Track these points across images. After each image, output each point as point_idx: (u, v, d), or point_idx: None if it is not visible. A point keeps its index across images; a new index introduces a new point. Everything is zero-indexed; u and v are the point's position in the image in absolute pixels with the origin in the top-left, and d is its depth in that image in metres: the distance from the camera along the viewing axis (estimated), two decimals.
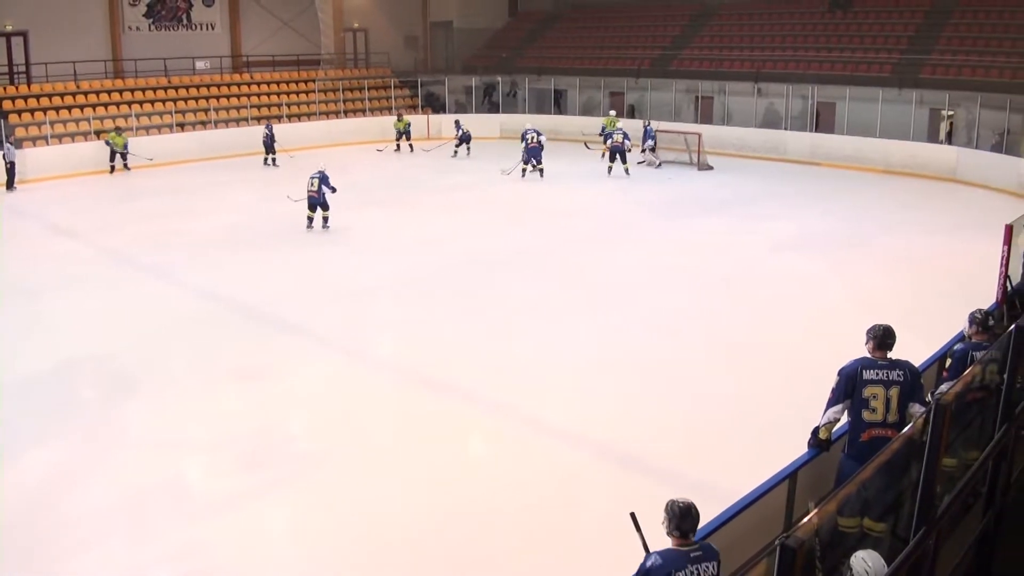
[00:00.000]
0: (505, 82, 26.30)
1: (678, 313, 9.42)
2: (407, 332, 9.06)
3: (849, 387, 4.32)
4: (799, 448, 4.54)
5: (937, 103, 19.15)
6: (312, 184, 13.26)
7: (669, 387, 7.48)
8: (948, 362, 5.15)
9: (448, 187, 17.86)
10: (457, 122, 21.72)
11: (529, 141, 18.29)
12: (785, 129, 21.29)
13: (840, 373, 4.37)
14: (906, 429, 3.66)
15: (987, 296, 6.75)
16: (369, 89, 25.79)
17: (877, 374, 4.27)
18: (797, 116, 21.51)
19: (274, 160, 20.27)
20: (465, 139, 21.20)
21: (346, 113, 24.99)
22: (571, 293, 10.25)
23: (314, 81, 25.16)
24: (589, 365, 7.98)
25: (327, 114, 24.68)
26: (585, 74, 25.42)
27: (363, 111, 25.50)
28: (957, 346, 4.99)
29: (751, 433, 6.56)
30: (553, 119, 24.32)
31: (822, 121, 20.94)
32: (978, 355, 4.56)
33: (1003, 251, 6.60)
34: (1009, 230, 6.70)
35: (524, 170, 18.39)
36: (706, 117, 22.96)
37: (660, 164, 19.79)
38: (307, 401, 7.38)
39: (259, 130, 21.12)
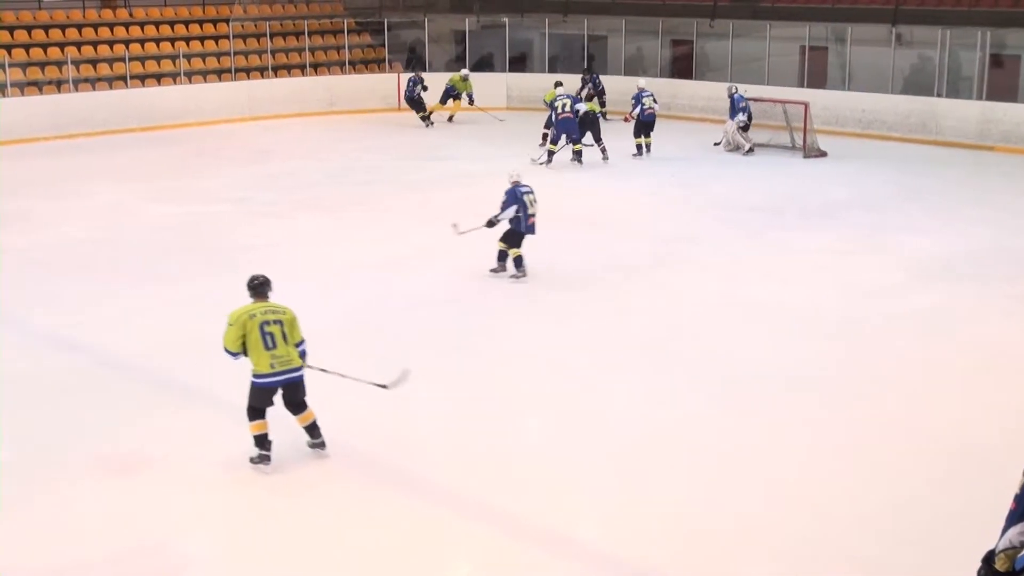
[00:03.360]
0: (515, 25, 26.52)
1: (764, 379, 9.42)
2: (356, 405, 8.92)
3: None
4: None
5: None
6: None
7: (755, 491, 7.44)
8: None
9: (426, 181, 17.87)
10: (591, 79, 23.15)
11: (559, 110, 18.57)
12: (939, 96, 21.34)
13: None
14: None
15: None
16: (312, 35, 26.05)
17: None
18: (959, 76, 21.57)
19: (426, 118, 23.07)
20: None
21: (275, 71, 25.23)
22: (604, 349, 10.30)
23: (227, 21, 25.36)
24: (634, 456, 8.00)
25: (245, 71, 24.85)
26: (635, 12, 25.62)
27: (301, 67, 25.70)
28: None
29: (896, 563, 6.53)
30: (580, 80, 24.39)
31: (997, 84, 20.92)
32: None
33: None
34: None
35: (551, 153, 18.73)
36: (816, 79, 23.01)
37: (751, 148, 19.95)
38: (200, 510, 7.32)
39: (140, 95, 21.18)
